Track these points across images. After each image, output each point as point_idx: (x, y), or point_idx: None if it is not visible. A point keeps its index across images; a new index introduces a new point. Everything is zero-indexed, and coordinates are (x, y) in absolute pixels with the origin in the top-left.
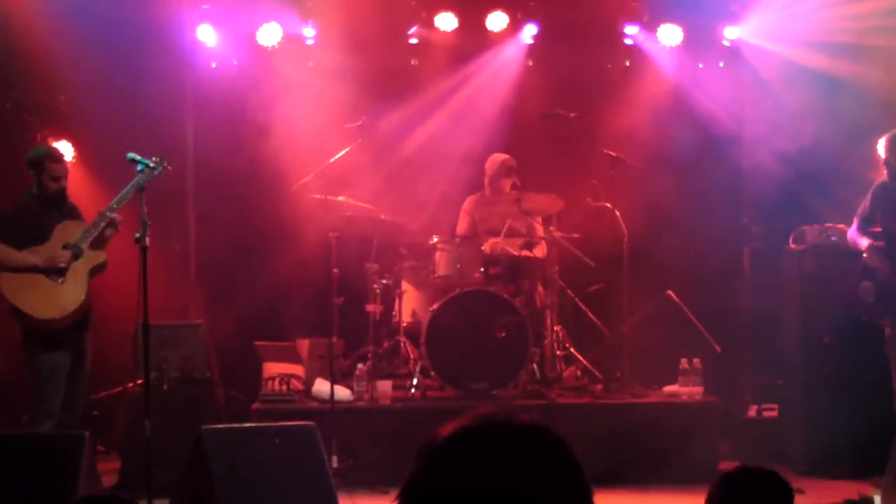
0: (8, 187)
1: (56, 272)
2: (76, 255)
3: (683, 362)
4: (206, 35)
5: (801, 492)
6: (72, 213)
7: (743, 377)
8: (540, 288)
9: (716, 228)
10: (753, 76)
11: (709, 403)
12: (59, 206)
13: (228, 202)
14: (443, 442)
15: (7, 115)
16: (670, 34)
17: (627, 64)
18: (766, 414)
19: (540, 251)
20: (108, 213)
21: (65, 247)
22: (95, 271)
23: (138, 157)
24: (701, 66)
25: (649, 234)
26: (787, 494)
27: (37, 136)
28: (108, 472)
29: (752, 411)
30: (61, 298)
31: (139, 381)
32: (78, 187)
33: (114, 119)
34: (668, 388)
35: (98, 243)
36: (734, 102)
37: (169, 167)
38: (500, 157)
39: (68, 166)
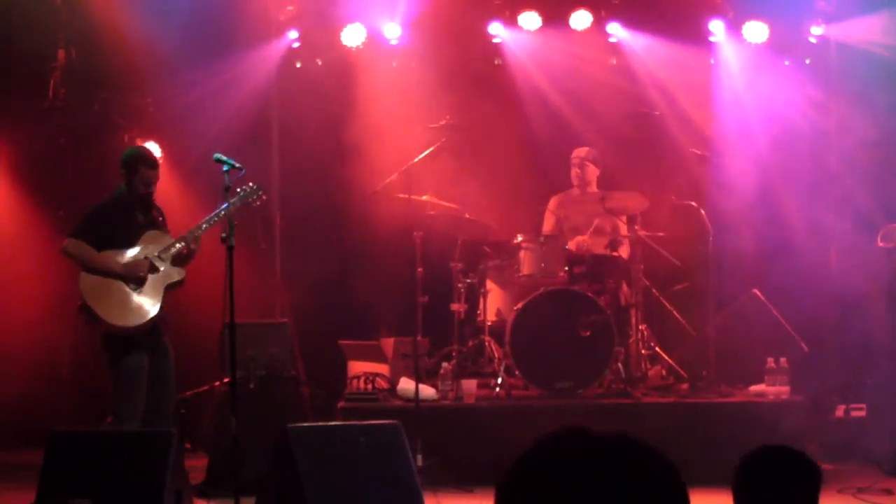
0: (96, 187)
1: (134, 281)
2: (153, 269)
3: (770, 361)
4: (292, 36)
5: (890, 492)
6: (156, 219)
7: (830, 376)
8: (625, 287)
9: (802, 226)
10: (840, 73)
11: (795, 403)
12: (145, 210)
13: (313, 202)
14: (530, 456)
15: (95, 116)
16: (756, 31)
17: (712, 61)
18: (853, 414)
19: (624, 250)
20: (197, 233)
21: (146, 258)
22: (172, 287)
23: (224, 158)
24: (787, 63)
25: (735, 233)
26: (814, 473)
27: (125, 136)
28: (196, 469)
29: (840, 411)
30: (135, 308)
31: (226, 380)
32: (164, 187)
33: (200, 120)
34: (755, 388)
35: (181, 260)
36: (820, 100)
37: (264, 196)
38: (584, 148)
39: (160, 172)
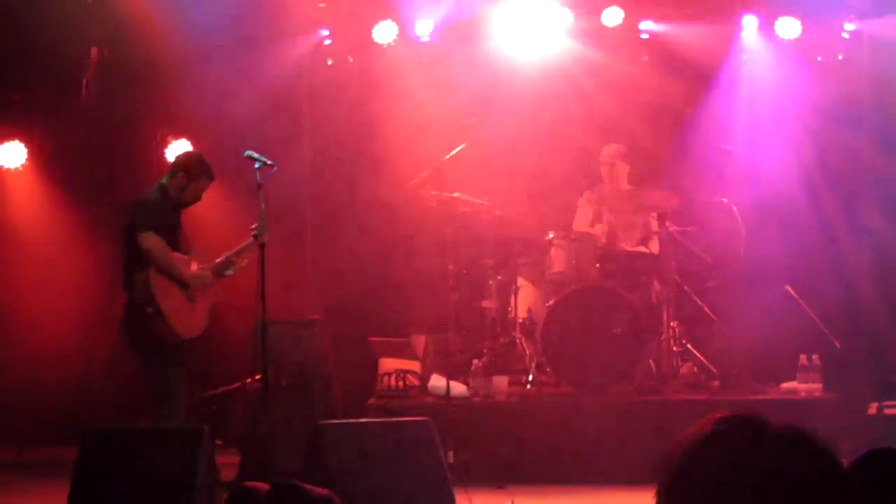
0: (127, 184)
1: (197, 291)
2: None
3: (802, 358)
4: (323, 33)
5: None
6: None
7: (863, 373)
8: (656, 284)
9: (835, 222)
10: (873, 69)
11: (828, 400)
12: (179, 217)
13: (345, 199)
14: (700, 439)
15: (127, 113)
16: (788, 27)
17: (744, 58)
18: (887, 411)
19: (655, 247)
20: (236, 258)
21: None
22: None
23: (255, 155)
24: (819, 58)
25: (766, 229)
26: None
27: (156, 134)
28: (227, 466)
29: (873, 408)
30: (192, 319)
31: (257, 377)
32: None
33: (232, 117)
34: (787, 385)
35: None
36: (853, 96)
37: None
38: (612, 145)
39: None
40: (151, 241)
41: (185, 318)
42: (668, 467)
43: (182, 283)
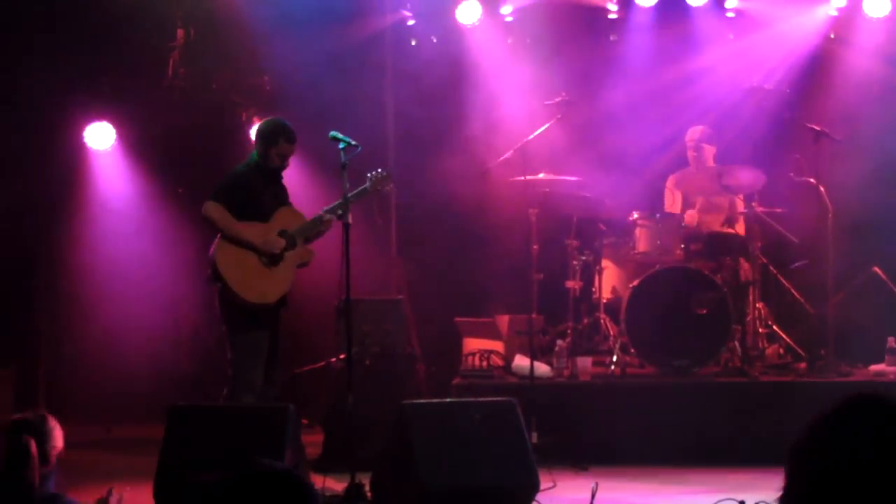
0: (214, 166)
1: (269, 257)
2: (291, 246)
3: (891, 341)
4: (406, 13)
5: None
6: (284, 194)
7: None
8: (742, 264)
9: None
10: None
11: None
12: (274, 183)
13: (428, 179)
14: (826, 420)
15: (214, 95)
16: (877, 5)
17: (832, 36)
18: None
19: (741, 227)
20: (331, 216)
21: (281, 234)
22: (302, 265)
23: (340, 136)
24: None
25: (854, 210)
26: None
27: (242, 115)
28: (312, 444)
29: None
30: (267, 285)
31: (341, 356)
32: None
33: (316, 98)
34: (875, 368)
35: (309, 240)
36: None
37: (392, 185)
38: (697, 128)
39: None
40: (209, 208)
41: (257, 285)
42: (797, 447)
43: (252, 250)
